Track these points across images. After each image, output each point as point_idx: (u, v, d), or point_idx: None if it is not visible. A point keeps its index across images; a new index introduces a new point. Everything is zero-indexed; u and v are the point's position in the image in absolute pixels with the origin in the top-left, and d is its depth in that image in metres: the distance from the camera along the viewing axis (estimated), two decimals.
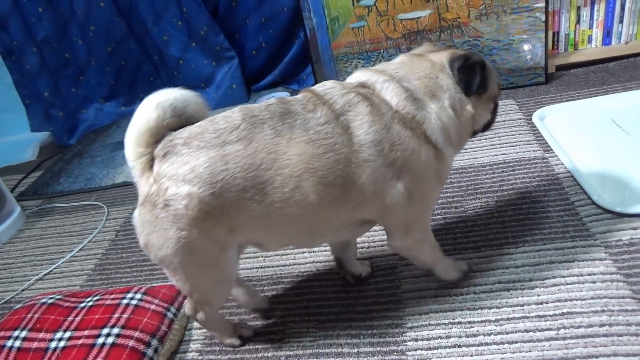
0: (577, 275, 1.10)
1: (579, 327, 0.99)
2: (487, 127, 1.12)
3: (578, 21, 1.99)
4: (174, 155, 0.87)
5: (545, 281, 1.10)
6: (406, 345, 1.04)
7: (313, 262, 1.33)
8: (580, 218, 1.25)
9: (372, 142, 0.91)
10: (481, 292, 1.12)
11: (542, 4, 1.85)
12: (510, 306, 1.07)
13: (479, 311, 1.07)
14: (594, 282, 1.07)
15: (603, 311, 1.01)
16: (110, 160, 2.19)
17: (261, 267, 1.35)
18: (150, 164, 0.89)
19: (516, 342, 0.99)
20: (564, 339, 0.97)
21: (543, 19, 1.88)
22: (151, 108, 0.88)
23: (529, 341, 0.99)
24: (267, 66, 2.52)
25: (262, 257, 1.39)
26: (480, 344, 1.00)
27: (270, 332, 1.15)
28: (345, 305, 1.17)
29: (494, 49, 1.94)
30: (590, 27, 1.99)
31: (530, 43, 1.91)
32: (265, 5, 2.31)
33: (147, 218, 0.89)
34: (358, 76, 1.00)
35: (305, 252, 1.37)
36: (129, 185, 1.95)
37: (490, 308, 1.07)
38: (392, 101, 0.94)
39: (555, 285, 1.09)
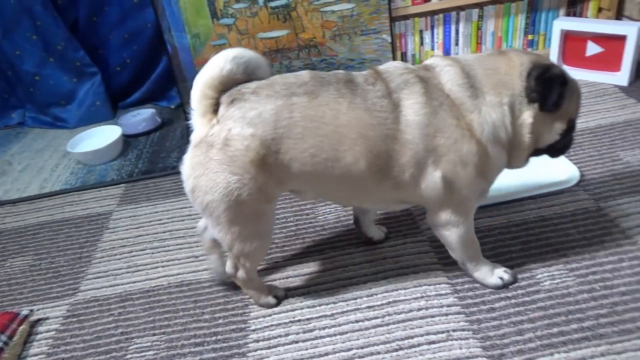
0: (404, 268, 1.22)
1: (401, 313, 1.10)
2: (556, 150, 1.05)
3: (422, 43, 2.20)
4: (242, 102, 0.92)
5: (377, 275, 1.21)
6: (248, 347, 1.08)
7: (165, 275, 1.33)
8: (413, 217, 1.39)
9: (418, 125, 0.92)
10: (322, 290, 1.20)
11: (388, 27, 2.03)
12: (345, 300, 1.15)
13: (317, 308, 1.14)
14: (416, 273, 1.20)
15: (422, 297, 1.13)
16: None
17: (110, 286, 1.32)
18: (215, 108, 0.93)
19: (347, 332, 1.07)
20: (387, 324, 1.07)
21: (389, 40, 2.06)
22: (227, 60, 0.93)
23: (358, 330, 1.07)
24: (134, 83, 2.46)
25: (112, 276, 1.36)
26: (316, 338, 1.07)
27: (112, 350, 1.13)
28: (192, 315, 1.18)
29: (348, 67, 2.09)
30: (432, 48, 2.22)
31: (381, 63, 2.08)
32: (128, 21, 2.28)
33: (199, 160, 0.94)
34: (429, 60, 1.02)
35: (158, 267, 1.36)
36: None
37: (327, 304, 1.15)
38: (447, 85, 0.94)
39: (385, 278, 1.20)
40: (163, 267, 1.36)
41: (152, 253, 1.42)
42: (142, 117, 2.16)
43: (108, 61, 2.40)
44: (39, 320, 1.23)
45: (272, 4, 1.94)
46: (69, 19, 2.30)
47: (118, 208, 1.67)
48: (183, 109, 2.13)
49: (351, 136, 0.92)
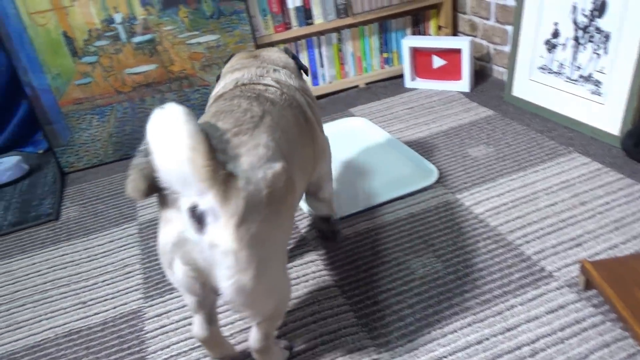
0: (297, 278, 1.29)
1: (296, 320, 1.16)
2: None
3: None
4: (241, 148, 0.80)
5: None
6: None
7: (51, 327, 1.26)
8: (299, 230, 1.47)
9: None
10: (219, 311, 1.22)
11: None
12: (244, 319, 1.19)
13: None
14: (307, 281, 1.28)
15: (314, 302, 1.21)
16: None
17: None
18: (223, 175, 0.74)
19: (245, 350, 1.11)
20: (285, 334, 1.13)
21: None
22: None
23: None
24: None
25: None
26: None
27: None
28: None
29: None
30: None
31: None
32: None
33: (251, 232, 0.75)
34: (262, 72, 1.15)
35: (42, 320, 1.29)
36: None
37: (225, 326, 1.18)
38: (283, 77, 1.16)
39: None
40: (47, 319, 1.29)
41: (34, 307, 1.34)
42: (6, 166, 2.02)
43: None
44: None
45: (136, 40, 1.94)
46: None
47: None
48: (53, 152, 2.02)
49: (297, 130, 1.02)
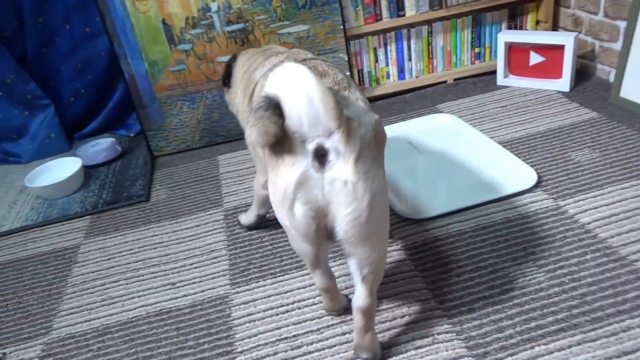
0: (386, 277, 1.25)
1: (385, 321, 1.12)
2: None
3: (377, 60, 2.28)
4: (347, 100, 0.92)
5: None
6: None
7: (142, 305, 1.30)
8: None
9: None
10: (304, 306, 1.20)
11: (344, 47, 2.09)
12: (330, 314, 1.17)
13: (303, 324, 1.15)
14: (396, 281, 1.23)
15: (404, 304, 1.16)
16: None
17: (85, 321, 1.28)
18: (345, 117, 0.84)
19: (335, 346, 1.08)
20: (376, 333, 1.09)
21: (346, 59, 2.13)
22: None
23: (346, 342, 1.09)
24: (90, 112, 2.41)
25: (87, 310, 1.31)
26: (304, 354, 1.08)
27: None
28: (176, 343, 1.16)
29: None
30: (387, 64, 2.30)
31: None
32: (80, 51, 2.24)
33: (366, 167, 0.86)
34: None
35: (134, 297, 1.33)
36: None
37: (312, 319, 1.16)
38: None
39: None
40: (139, 297, 1.33)
41: (127, 284, 1.39)
42: (101, 147, 2.12)
43: (61, 92, 2.34)
44: None
45: (229, 29, 1.97)
46: (17, 52, 2.24)
47: (85, 241, 1.62)
48: (144, 136, 2.10)
49: None
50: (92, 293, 1.38)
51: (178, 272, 1.41)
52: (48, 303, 1.37)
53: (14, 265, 1.55)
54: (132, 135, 2.39)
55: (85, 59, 2.25)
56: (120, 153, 2.16)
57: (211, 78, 2.03)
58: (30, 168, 2.07)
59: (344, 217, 0.85)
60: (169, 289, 1.35)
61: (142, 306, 1.30)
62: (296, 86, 0.79)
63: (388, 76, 2.32)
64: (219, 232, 1.55)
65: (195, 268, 1.41)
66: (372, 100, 2.30)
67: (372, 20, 2.14)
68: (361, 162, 0.85)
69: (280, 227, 1.49)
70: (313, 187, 0.85)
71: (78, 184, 1.94)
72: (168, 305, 1.29)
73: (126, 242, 1.58)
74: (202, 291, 1.32)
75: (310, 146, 0.83)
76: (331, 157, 0.83)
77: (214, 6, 1.92)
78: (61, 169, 1.98)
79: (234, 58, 1.40)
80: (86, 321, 1.28)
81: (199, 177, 1.91)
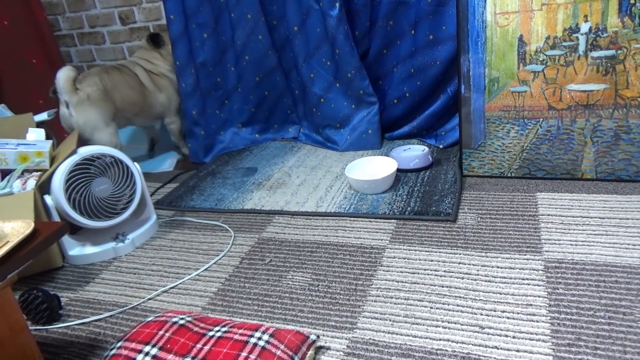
0: None
1: None
2: None
3: None
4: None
5: None
6: None
7: (448, 340, 1.20)
8: None
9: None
10: None
11: None
12: None
13: None
14: None
15: None
16: (241, 184, 2.24)
17: (388, 332, 1.25)
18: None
19: None
20: None
21: None
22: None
23: None
24: (406, 117, 2.47)
25: (390, 321, 1.28)
26: None
27: None
28: None
29: None
30: None
31: None
32: (417, 56, 2.28)
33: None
34: None
35: (439, 327, 1.24)
36: (257, 212, 1.96)
37: None
38: None
39: None
40: (444, 328, 1.24)
41: (431, 307, 1.32)
42: (414, 154, 2.12)
43: (387, 93, 2.45)
44: (321, 348, 1.22)
45: (595, 54, 1.70)
46: (362, 50, 2.41)
47: (390, 245, 1.62)
48: (460, 152, 2.02)
49: None
50: (395, 304, 1.35)
51: (487, 315, 1.26)
52: (354, 298, 1.39)
53: (326, 248, 1.65)
54: (440, 147, 2.35)
55: (419, 65, 2.28)
56: (430, 163, 2.14)
57: (554, 106, 1.81)
58: (344, 157, 2.21)
59: None
60: (477, 332, 1.21)
61: (448, 340, 1.20)
62: None
63: None
64: (538, 285, 1.34)
65: (508, 319, 1.24)
66: None
67: None
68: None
69: (627, 301, 1.21)
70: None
71: (389, 185, 1.97)
72: (476, 352, 1.16)
73: (431, 260, 1.51)
74: (517, 351, 1.14)
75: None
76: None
77: (584, 27, 1.68)
78: (377, 167, 2.05)
79: None
80: (389, 332, 1.25)
81: (513, 211, 1.72)
